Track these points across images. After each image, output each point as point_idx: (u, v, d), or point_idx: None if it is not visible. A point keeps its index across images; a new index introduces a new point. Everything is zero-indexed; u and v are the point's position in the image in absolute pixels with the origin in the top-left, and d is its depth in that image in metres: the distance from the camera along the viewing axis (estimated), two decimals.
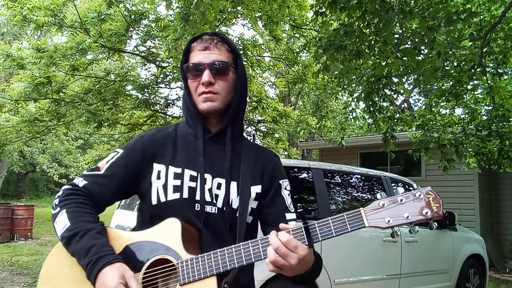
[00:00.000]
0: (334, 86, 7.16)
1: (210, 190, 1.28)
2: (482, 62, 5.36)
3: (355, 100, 6.55)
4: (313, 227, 1.07)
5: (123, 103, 9.25)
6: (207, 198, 1.27)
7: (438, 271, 4.94)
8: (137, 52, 9.37)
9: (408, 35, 4.82)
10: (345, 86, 6.51)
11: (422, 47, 4.78)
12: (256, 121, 12.37)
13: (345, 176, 4.65)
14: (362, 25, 4.69)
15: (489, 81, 5.92)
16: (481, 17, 5.28)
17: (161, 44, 8.10)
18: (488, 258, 5.76)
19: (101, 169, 1.28)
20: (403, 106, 9.09)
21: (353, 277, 4.02)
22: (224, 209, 1.27)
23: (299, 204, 1.10)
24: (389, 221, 1.05)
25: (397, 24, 4.71)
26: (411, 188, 1.09)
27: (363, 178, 4.83)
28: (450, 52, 5.29)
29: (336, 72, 5.91)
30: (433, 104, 7.03)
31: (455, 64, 5.74)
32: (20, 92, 8.04)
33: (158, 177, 1.28)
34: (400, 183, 5.02)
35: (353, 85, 6.57)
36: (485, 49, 5.21)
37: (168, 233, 1.19)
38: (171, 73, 8.65)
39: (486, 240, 6.28)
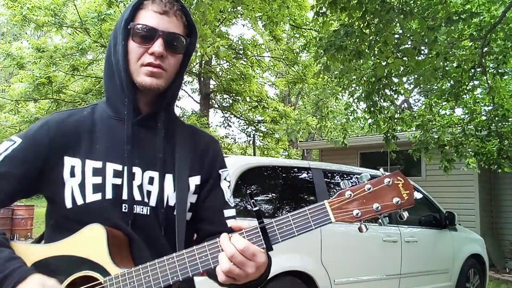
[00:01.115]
0: (334, 86, 7.18)
1: (140, 186, 1.04)
2: (482, 62, 5.37)
3: (356, 100, 6.57)
4: (271, 226, 0.92)
5: None
6: (137, 196, 1.03)
7: (438, 271, 4.94)
8: None
9: (408, 35, 4.83)
10: (345, 86, 6.53)
11: (422, 47, 4.79)
12: (256, 121, 12.38)
13: (345, 176, 4.65)
14: (362, 25, 4.70)
15: (489, 81, 5.92)
16: (481, 17, 5.29)
17: None
18: (488, 258, 5.76)
19: None
20: (403, 106, 9.10)
21: (353, 277, 4.02)
22: (159, 208, 1.05)
23: (253, 201, 0.93)
24: (357, 214, 0.92)
25: (397, 24, 4.72)
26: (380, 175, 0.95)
27: None
28: (450, 52, 5.30)
29: (336, 72, 5.93)
30: (433, 105, 7.04)
31: (455, 64, 5.75)
32: (20, 92, 8.07)
33: (73, 174, 1.02)
34: None
35: (353, 85, 6.58)
36: (485, 49, 5.22)
37: (91, 244, 0.95)
38: None
39: (486, 240, 6.28)
